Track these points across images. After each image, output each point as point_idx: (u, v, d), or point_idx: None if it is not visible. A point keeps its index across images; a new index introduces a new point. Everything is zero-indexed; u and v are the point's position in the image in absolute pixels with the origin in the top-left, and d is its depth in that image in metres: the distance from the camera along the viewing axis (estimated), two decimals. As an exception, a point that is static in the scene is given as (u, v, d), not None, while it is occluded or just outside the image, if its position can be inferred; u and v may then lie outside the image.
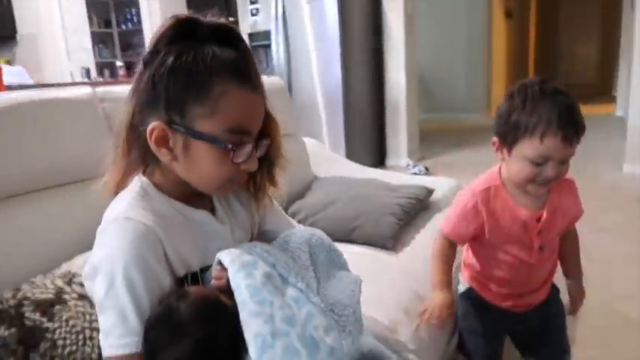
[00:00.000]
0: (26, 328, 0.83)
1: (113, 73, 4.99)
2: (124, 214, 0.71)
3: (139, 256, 0.69)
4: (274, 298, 0.69)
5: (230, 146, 0.73)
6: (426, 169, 3.98)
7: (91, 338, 0.85)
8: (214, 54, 0.72)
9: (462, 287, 1.22)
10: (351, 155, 3.61)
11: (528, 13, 8.88)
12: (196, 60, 0.71)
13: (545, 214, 1.02)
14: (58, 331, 0.84)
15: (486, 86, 7.21)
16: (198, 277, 0.79)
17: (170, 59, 0.71)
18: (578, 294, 1.18)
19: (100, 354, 0.84)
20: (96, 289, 0.69)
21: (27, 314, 0.84)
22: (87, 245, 1.12)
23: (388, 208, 1.56)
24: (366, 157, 4.09)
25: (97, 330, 0.86)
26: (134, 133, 0.77)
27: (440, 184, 1.93)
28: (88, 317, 0.87)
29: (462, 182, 2.05)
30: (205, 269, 0.80)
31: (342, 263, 0.94)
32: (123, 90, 1.42)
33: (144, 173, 0.81)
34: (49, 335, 0.83)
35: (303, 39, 4.17)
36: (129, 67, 4.29)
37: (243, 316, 0.67)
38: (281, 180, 0.91)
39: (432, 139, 5.36)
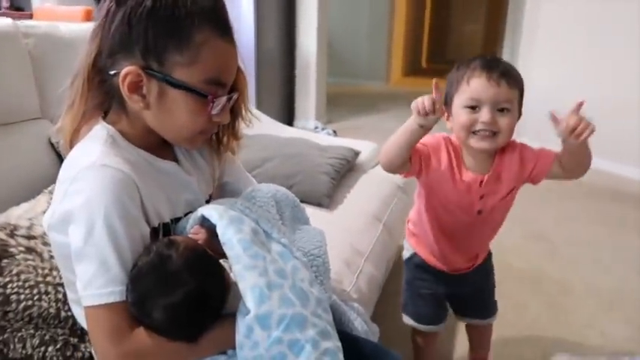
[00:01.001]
0: (-28, 284, 0.76)
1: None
2: (100, 162, 0.67)
3: (119, 203, 0.65)
4: (264, 252, 0.71)
5: (209, 97, 0.71)
6: (334, 132, 4.07)
7: (46, 293, 0.80)
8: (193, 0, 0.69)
9: (407, 253, 1.25)
10: (259, 116, 3.56)
11: (426, -11, 9.30)
12: (176, 3, 0.68)
13: (486, 178, 1.03)
14: (9, 285, 0.77)
15: (387, 55, 7.47)
16: (169, 228, 0.77)
17: (149, 0, 0.67)
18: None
19: (58, 308, 0.81)
20: (72, 238, 0.65)
21: (-29, 268, 0.77)
22: (15, 196, 1.04)
23: (322, 167, 1.61)
24: (275, 118, 4.05)
25: (52, 284, 0.82)
26: (97, 76, 0.72)
27: (362, 147, 2.00)
28: (40, 271, 0.81)
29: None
30: (175, 221, 0.79)
31: (305, 219, 0.97)
32: (50, 26, 1.29)
33: (105, 120, 0.76)
34: (-1, 290, 0.77)
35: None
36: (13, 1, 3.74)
37: (238, 269, 0.67)
38: (242, 133, 0.91)
39: (337, 104, 5.47)
